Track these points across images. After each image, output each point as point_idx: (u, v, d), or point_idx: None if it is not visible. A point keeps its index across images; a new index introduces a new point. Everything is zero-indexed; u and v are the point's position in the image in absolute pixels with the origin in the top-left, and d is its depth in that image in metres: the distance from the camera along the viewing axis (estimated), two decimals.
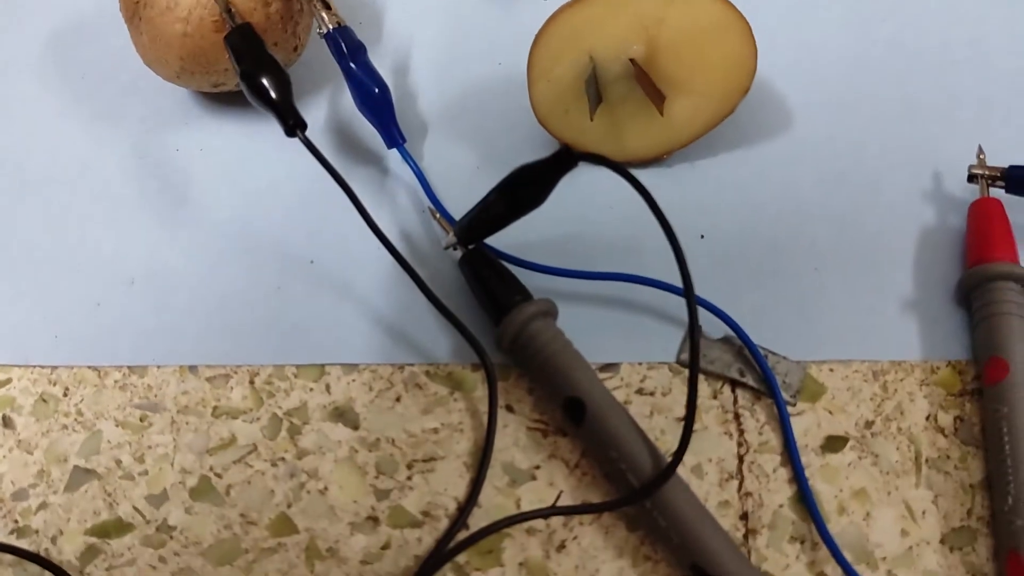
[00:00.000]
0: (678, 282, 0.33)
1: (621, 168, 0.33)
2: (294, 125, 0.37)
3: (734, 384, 0.38)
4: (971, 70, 0.45)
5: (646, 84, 0.40)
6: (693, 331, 0.33)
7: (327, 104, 0.46)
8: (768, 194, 0.42)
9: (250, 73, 0.38)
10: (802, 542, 0.34)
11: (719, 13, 0.39)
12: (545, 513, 0.34)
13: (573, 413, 0.35)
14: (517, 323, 0.36)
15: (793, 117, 0.44)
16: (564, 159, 0.35)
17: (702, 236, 0.41)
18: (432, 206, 0.41)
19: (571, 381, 0.35)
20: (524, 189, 0.36)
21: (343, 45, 0.42)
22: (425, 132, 0.45)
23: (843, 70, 0.46)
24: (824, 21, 0.47)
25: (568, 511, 0.34)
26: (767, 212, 0.42)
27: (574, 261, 0.40)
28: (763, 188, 0.42)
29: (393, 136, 0.42)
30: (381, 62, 0.47)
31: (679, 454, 0.32)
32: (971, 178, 0.41)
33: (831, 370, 0.38)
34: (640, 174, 0.43)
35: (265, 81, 0.37)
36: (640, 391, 0.38)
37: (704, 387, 0.38)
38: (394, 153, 0.43)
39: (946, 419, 0.37)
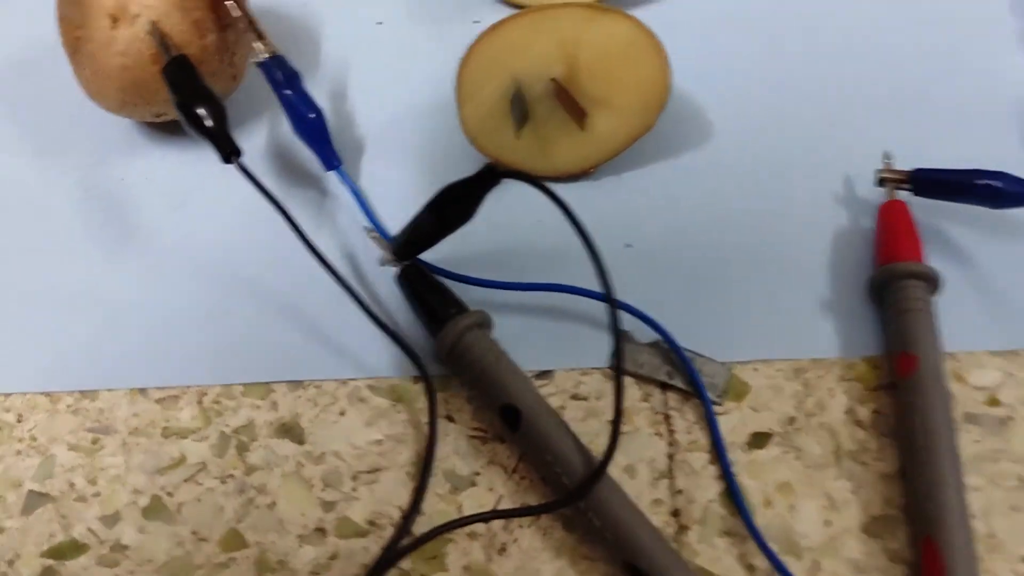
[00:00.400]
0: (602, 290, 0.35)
1: (539, 183, 0.35)
2: (229, 153, 0.39)
3: (664, 387, 0.39)
4: (880, 80, 0.48)
5: (566, 102, 0.42)
6: (617, 337, 0.35)
7: (268, 129, 0.47)
8: (691, 203, 0.44)
9: (186, 103, 0.39)
10: (731, 536, 0.36)
11: (631, 33, 0.41)
12: (484, 517, 0.35)
13: (509, 420, 0.37)
14: (452, 335, 0.38)
15: (714, 129, 0.46)
16: (487, 176, 0.36)
17: (629, 245, 0.43)
18: (369, 225, 0.43)
19: (505, 389, 0.37)
20: (452, 206, 0.38)
21: (277, 73, 0.43)
22: (363, 153, 0.46)
23: (760, 83, 0.48)
24: (742, 37, 0.49)
25: (506, 514, 0.35)
26: (691, 220, 0.44)
27: (508, 273, 0.42)
28: (687, 197, 0.44)
29: (329, 159, 0.44)
30: (319, 88, 0.48)
31: (607, 456, 0.34)
32: (880, 182, 0.43)
33: (755, 369, 0.40)
34: (569, 188, 0.45)
35: (200, 111, 0.39)
36: (575, 396, 0.39)
37: (635, 390, 0.39)
38: (334, 175, 0.44)
39: (864, 412, 0.39)
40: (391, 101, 0.48)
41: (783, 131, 0.46)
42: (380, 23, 0.52)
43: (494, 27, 0.42)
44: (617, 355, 0.34)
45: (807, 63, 0.48)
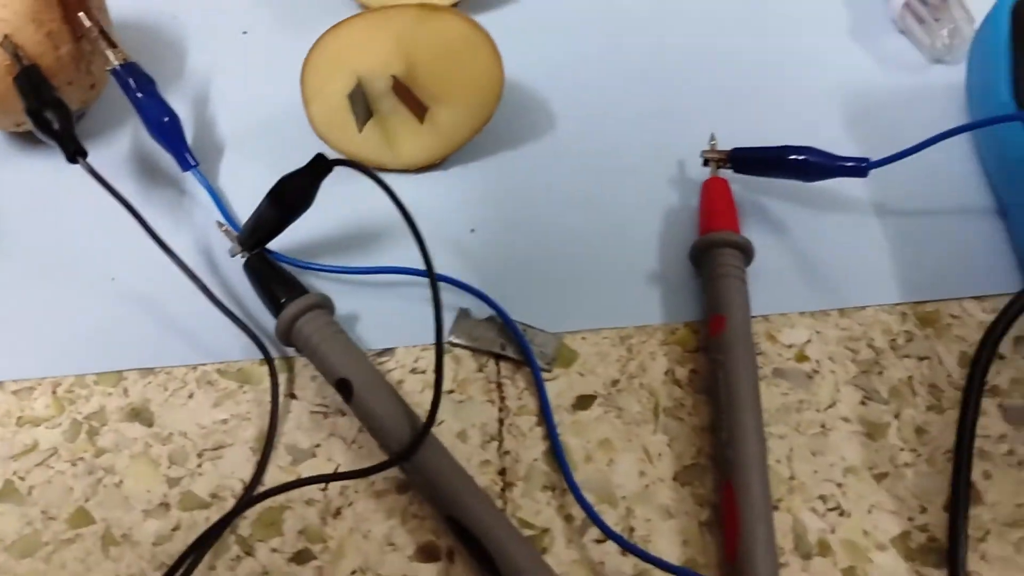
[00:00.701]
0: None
1: (368, 171, 0.38)
2: (75, 152, 0.41)
3: (498, 357, 0.42)
4: (718, 70, 0.51)
5: (405, 98, 0.44)
6: (436, 308, 0.37)
7: (131, 135, 0.49)
8: (533, 189, 0.47)
9: (33, 109, 0.41)
10: (553, 490, 0.39)
11: (463, 31, 0.44)
12: (311, 481, 0.38)
13: (343, 392, 0.39)
14: (290, 316, 0.40)
15: (557, 119, 0.49)
16: (318, 165, 0.39)
17: (472, 230, 0.46)
18: (220, 219, 0.45)
19: (340, 363, 0.39)
20: (290, 196, 0.40)
21: (130, 80, 0.45)
22: (223, 154, 0.49)
23: (600, 77, 0.51)
24: (584, 33, 0.53)
25: (330, 478, 0.37)
26: (532, 205, 0.46)
27: (357, 258, 0.44)
28: (529, 184, 0.47)
29: (185, 160, 0.46)
30: (184, 95, 0.51)
31: (429, 420, 0.37)
32: (704, 162, 0.46)
33: (583, 338, 0.43)
34: (418, 179, 0.48)
35: (46, 114, 0.41)
36: (414, 371, 0.42)
37: (471, 362, 0.42)
38: (192, 175, 0.47)
39: (682, 372, 0.41)
40: (253, 105, 0.50)
41: (621, 121, 0.49)
42: (245, 32, 0.54)
43: (334, 28, 0.45)
44: (437, 326, 0.37)
45: (645, 56, 0.52)
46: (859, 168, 0.43)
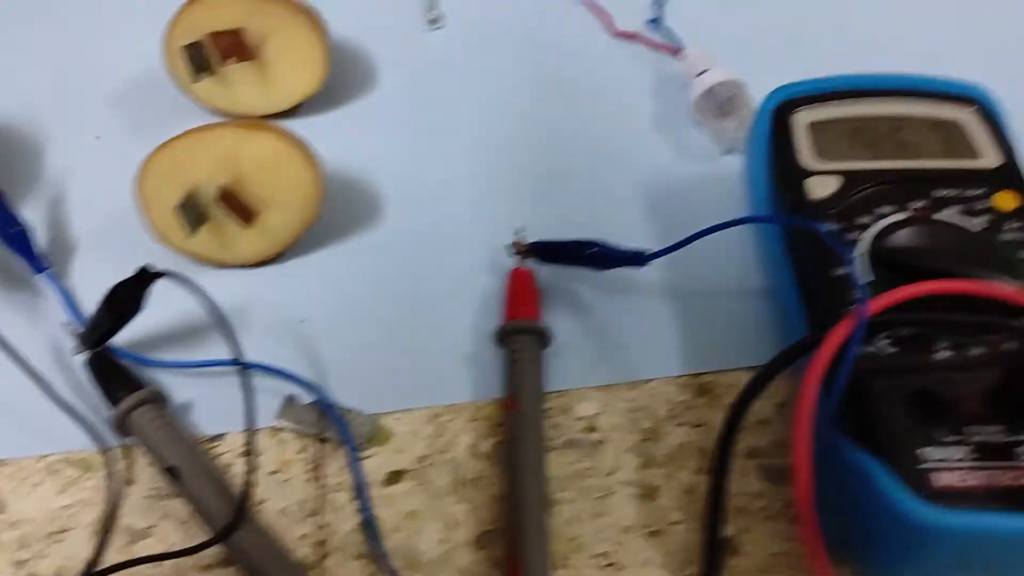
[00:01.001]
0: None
1: (188, 280, 0.43)
2: None
3: (321, 440, 0.47)
4: (534, 162, 0.57)
5: (232, 205, 0.50)
6: (247, 395, 0.42)
7: None
8: (360, 278, 0.52)
9: None
10: (364, 558, 0.44)
11: (278, 146, 0.49)
12: (142, 561, 0.42)
13: (172, 478, 0.44)
14: (123, 410, 0.45)
15: (384, 208, 0.55)
16: (143, 276, 0.44)
17: (302, 320, 0.51)
18: (67, 319, 0.49)
19: (168, 452, 0.44)
20: (120, 303, 0.45)
21: None
22: (75, 253, 0.53)
23: (429, 171, 0.57)
24: (409, 124, 0.58)
25: (158, 558, 0.42)
26: (358, 294, 0.52)
27: (195, 350, 0.49)
28: (356, 273, 0.52)
29: (37, 264, 0.50)
30: (39, 195, 0.55)
31: (239, 510, 0.41)
32: (514, 251, 0.52)
33: (397, 418, 0.48)
34: (257, 273, 0.53)
35: None
36: (243, 454, 0.46)
37: (294, 444, 0.47)
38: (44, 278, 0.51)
39: (486, 446, 0.47)
40: (105, 206, 0.55)
41: (444, 211, 0.55)
42: (99, 137, 0.59)
43: (164, 145, 0.50)
44: (247, 412, 0.42)
45: (468, 146, 0.58)
46: (639, 258, 0.49)
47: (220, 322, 0.46)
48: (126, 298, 0.45)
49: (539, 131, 0.59)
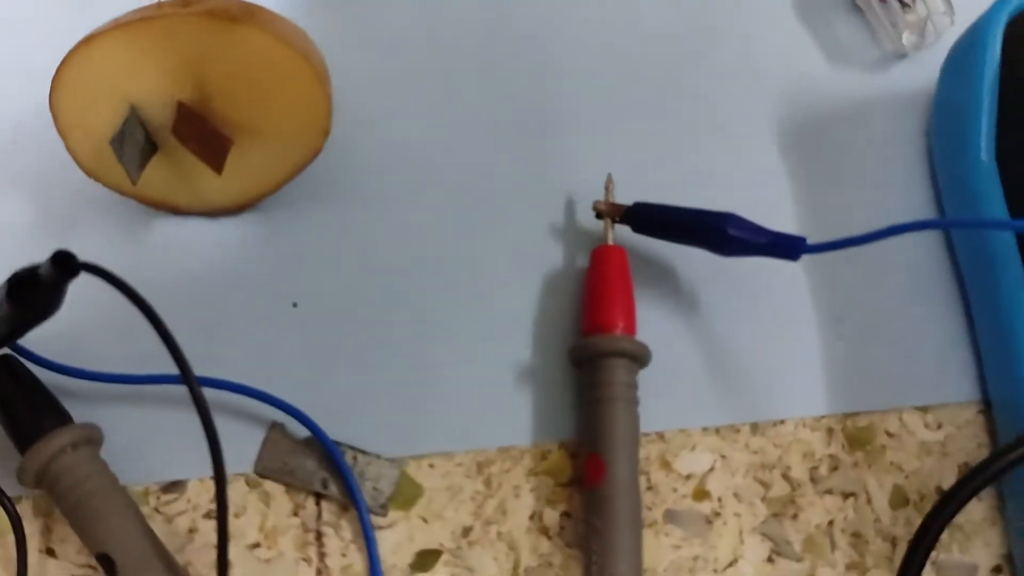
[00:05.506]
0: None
1: (118, 280, 0.28)
2: None
3: (317, 495, 0.33)
4: (599, 66, 0.39)
5: (192, 133, 0.33)
6: (212, 440, 0.28)
7: None
8: (376, 246, 0.36)
9: None
10: None
11: (271, 48, 0.32)
12: None
13: (106, 569, 0.30)
14: (42, 458, 0.30)
15: (403, 150, 0.38)
16: (61, 266, 0.28)
17: (295, 304, 0.35)
18: None
19: (103, 534, 0.30)
20: (29, 297, 0.29)
21: None
22: None
23: (456, 88, 0.39)
24: (430, 32, 0.40)
25: None
26: (374, 266, 0.36)
27: (136, 357, 0.34)
28: (371, 239, 0.37)
29: None
30: None
31: None
32: (597, 215, 0.36)
33: (431, 466, 0.34)
34: (232, 223, 0.37)
35: None
36: (208, 514, 0.33)
37: (284, 502, 0.33)
38: None
39: (552, 517, 0.33)
40: (9, 104, 0.38)
41: (488, 152, 0.38)
42: None
43: (87, 40, 0.32)
44: (216, 463, 0.28)
45: (511, 57, 0.39)
46: (793, 249, 0.33)
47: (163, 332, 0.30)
48: (34, 293, 0.29)
49: (630, 13, 0.41)
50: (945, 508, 0.29)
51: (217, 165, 0.33)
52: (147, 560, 0.30)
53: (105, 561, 0.30)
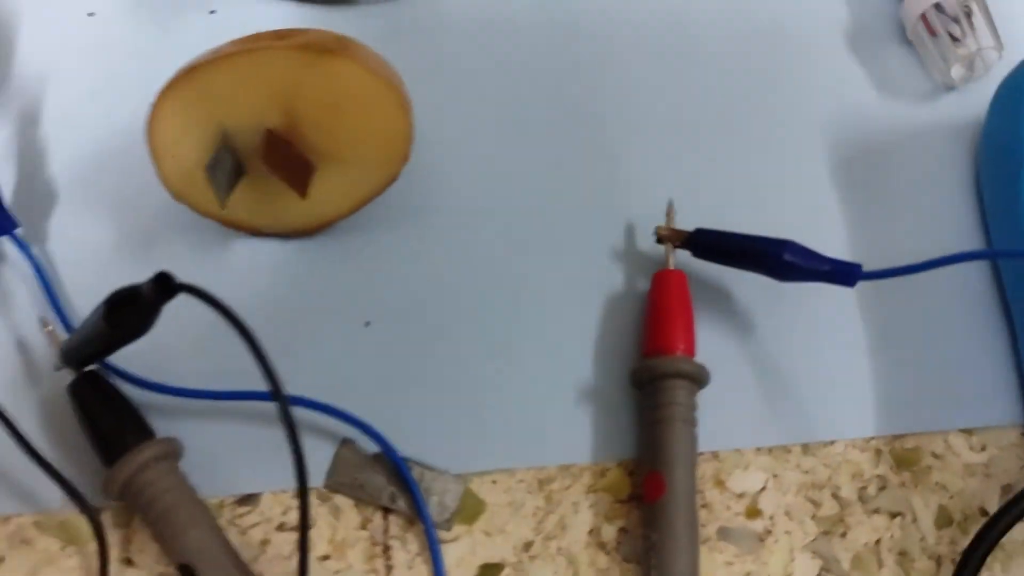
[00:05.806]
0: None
1: (216, 301, 0.29)
2: None
3: (387, 510, 0.34)
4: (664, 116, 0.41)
5: (279, 158, 0.34)
6: (297, 455, 0.29)
7: None
8: (442, 267, 0.38)
9: None
10: None
11: (361, 80, 0.34)
12: None
13: None
14: (126, 472, 0.32)
15: (476, 181, 0.39)
16: (161, 287, 0.30)
17: (367, 324, 0.37)
18: (44, 315, 0.36)
19: (183, 544, 0.32)
20: (125, 316, 0.31)
21: None
22: (54, 202, 0.39)
23: (526, 121, 0.40)
24: (503, 67, 0.42)
25: None
26: (442, 288, 0.38)
27: (216, 375, 0.35)
28: (437, 260, 0.38)
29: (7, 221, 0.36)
30: (7, 109, 0.40)
31: None
32: (658, 239, 0.37)
33: (494, 482, 0.35)
34: (304, 246, 0.38)
35: None
36: (281, 527, 0.34)
37: (353, 515, 0.34)
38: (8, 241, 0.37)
39: (609, 532, 0.34)
40: (98, 124, 0.40)
41: (552, 180, 0.40)
42: (92, 14, 0.43)
43: (189, 70, 0.34)
44: (300, 479, 0.29)
45: (582, 87, 0.41)
46: (849, 276, 0.35)
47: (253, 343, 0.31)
48: (130, 313, 0.31)
49: (690, 43, 0.42)
50: (991, 530, 0.30)
51: (301, 189, 0.35)
52: (227, 571, 0.31)
53: (187, 572, 0.31)
